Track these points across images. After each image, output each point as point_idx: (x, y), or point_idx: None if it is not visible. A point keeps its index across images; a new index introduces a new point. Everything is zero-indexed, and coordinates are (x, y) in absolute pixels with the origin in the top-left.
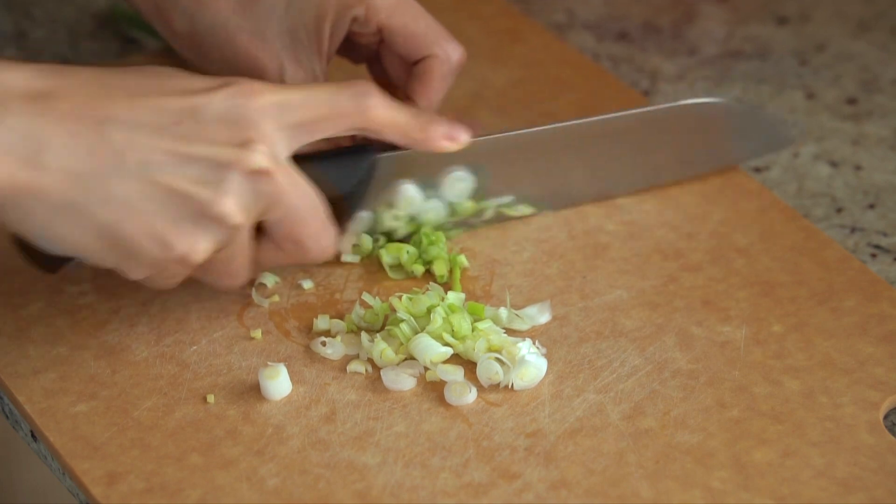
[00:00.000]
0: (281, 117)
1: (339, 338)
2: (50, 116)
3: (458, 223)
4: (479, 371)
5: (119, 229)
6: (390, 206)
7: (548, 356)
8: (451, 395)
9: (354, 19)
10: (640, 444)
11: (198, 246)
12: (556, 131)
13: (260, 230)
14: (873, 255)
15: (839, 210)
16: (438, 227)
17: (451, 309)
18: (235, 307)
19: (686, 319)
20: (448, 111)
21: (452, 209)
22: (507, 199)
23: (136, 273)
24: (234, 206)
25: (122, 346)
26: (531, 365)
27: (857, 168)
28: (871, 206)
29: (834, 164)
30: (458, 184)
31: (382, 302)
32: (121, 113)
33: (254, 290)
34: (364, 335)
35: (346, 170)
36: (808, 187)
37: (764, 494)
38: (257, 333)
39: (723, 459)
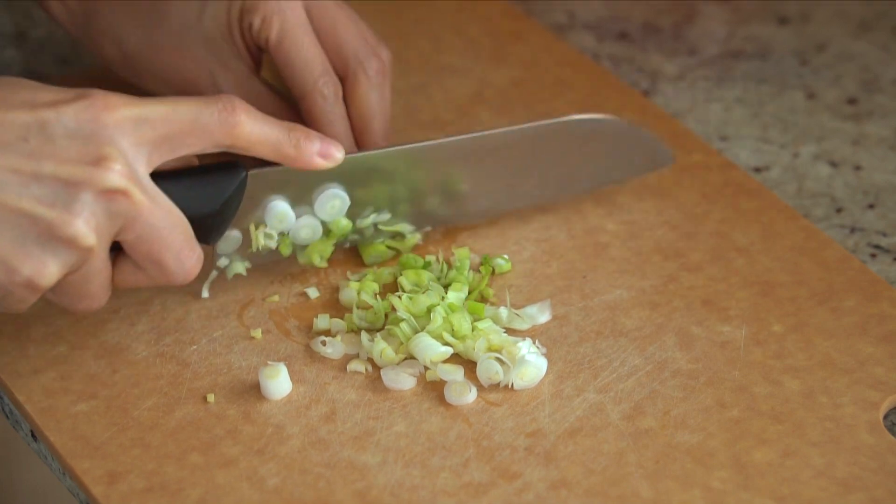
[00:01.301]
0: (138, 132)
1: (339, 337)
2: None
3: (337, 242)
4: (479, 371)
5: None
6: (262, 223)
7: (548, 356)
8: (451, 395)
9: (250, 26)
10: (640, 443)
11: (46, 269)
12: (435, 147)
13: (118, 249)
14: (873, 255)
15: (839, 210)
16: (314, 244)
17: (451, 308)
18: (235, 307)
19: (686, 319)
20: (449, 111)
21: (327, 228)
22: (384, 216)
23: None
24: (85, 227)
25: (122, 345)
26: (531, 364)
27: (857, 168)
28: (871, 206)
29: (834, 164)
30: (332, 201)
31: (383, 301)
32: None
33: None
34: (364, 334)
35: (215, 186)
36: (808, 187)
37: (764, 494)
38: (257, 333)
39: (723, 459)
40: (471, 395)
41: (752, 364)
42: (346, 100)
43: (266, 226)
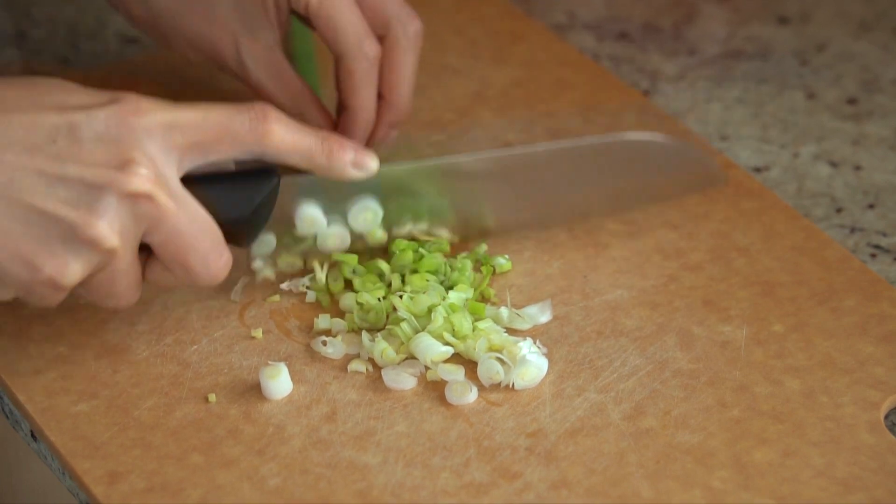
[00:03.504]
0: (168, 138)
1: (339, 337)
2: None
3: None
4: (480, 370)
5: None
6: (293, 228)
7: (549, 355)
8: (451, 395)
9: None
10: (640, 443)
11: (68, 269)
12: (474, 162)
13: (151, 250)
14: (873, 255)
15: (839, 210)
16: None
17: (452, 308)
18: (236, 307)
19: (687, 319)
20: (449, 111)
21: (362, 237)
22: (421, 226)
23: (2, 294)
24: (108, 229)
25: (122, 345)
26: (532, 364)
27: (857, 168)
28: (871, 206)
29: (834, 164)
30: (365, 213)
31: (383, 300)
32: None
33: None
34: (365, 334)
35: (247, 192)
36: (808, 187)
37: (764, 494)
38: (258, 333)
39: (723, 459)
40: (472, 395)
41: (753, 364)
42: (382, 60)
43: (296, 229)
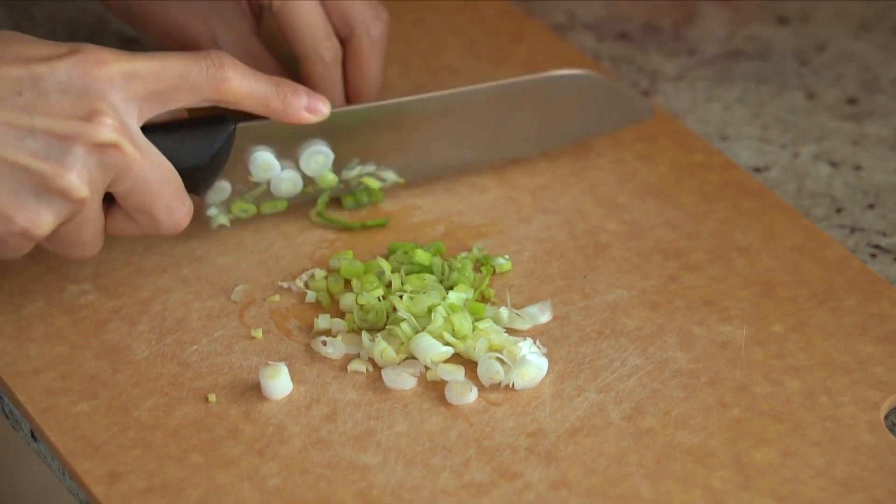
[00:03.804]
0: (129, 87)
1: (339, 337)
2: None
3: (321, 192)
4: (480, 370)
5: None
6: (248, 174)
7: (549, 356)
8: (451, 395)
9: None
10: (640, 443)
11: (40, 220)
12: (419, 102)
13: (112, 199)
14: (873, 255)
15: (839, 210)
16: (304, 196)
17: (452, 308)
18: (236, 307)
19: (687, 319)
20: None
21: (313, 182)
22: (369, 168)
23: None
24: (78, 179)
25: (122, 345)
26: (532, 364)
27: (857, 168)
28: (871, 206)
29: (834, 164)
30: (316, 157)
31: (383, 299)
32: None
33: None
34: (365, 334)
35: (204, 139)
36: (808, 187)
37: (764, 494)
38: (258, 333)
39: (723, 459)
40: (472, 395)
41: (753, 364)
42: (346, 61)
43: (250, 175)
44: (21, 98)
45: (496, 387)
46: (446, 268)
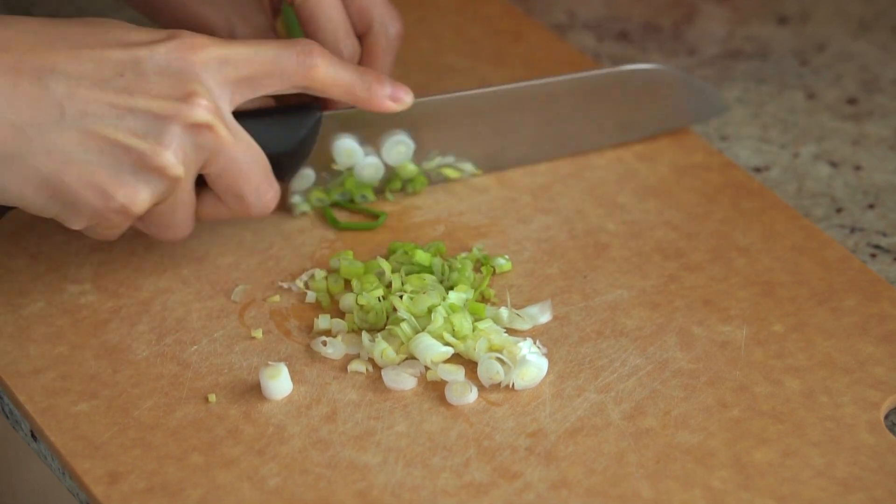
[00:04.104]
0: (223, 72)
1: (339, 337)
2: None
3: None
4: (480, 371)
5: (60, 180)
6: (332, 162)
7: (549, 356)
8: (451, 395)
9: None
10: (640, 443)
11: (138, 197)
12: (498, 93)
13: (203, 183)
14: (873, 255)
15: (839, 210)
16: (383, 186)
17: (452, 308)
18: (236, 307)
19: (687, 319)
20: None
21: (394, 171)
22: (448, 159)
23: (76, 223)
24: (174, 158)
25: (122, 345)
26: (532, 364)
27: (857, 168)
28: (871, 206)
29: (834, 164)
30: (398, 147)
31: (384, 299)
32: (62, 64)
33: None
34: (365, 335)
35: (290, 126)
36: (808, 187)
37: (764, 494)
38: (258, 333)
39: (723, 459)
40: (472, 395)
41: (753, 364)
42: (362, 58)
43: (334, 162)
44: (122, 79)
45: (496, 387)
46: (446, 268)
